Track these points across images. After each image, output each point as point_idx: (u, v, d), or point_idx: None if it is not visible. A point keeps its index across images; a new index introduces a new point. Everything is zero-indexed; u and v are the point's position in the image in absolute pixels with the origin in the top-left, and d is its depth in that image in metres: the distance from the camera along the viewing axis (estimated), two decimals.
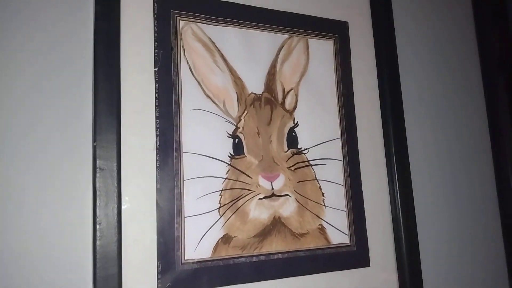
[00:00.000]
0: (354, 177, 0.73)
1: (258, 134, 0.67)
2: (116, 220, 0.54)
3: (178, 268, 0.57)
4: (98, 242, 0.53)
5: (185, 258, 0.58)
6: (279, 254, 0.64)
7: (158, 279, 0.55)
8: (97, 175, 0.55)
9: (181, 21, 0.65)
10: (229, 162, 0.64)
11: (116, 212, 0.54)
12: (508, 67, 0.86)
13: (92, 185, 0.55)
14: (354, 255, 0.70)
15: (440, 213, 0.81)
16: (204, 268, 0.59)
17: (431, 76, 0.87)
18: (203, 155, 0.63)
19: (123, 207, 0.56)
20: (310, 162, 0.70)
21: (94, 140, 0.56)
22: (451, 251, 0.81)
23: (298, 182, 0.68)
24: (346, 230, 0.70)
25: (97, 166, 0.55)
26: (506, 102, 0.85)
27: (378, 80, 0.79)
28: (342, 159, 0.73)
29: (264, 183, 0.65)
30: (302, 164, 0.69)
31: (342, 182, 0.72)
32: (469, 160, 0.87)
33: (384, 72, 0.79)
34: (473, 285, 0.81)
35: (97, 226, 0.53)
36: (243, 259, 0.62)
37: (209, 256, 0.60)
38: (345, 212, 0.71)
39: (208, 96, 0.65)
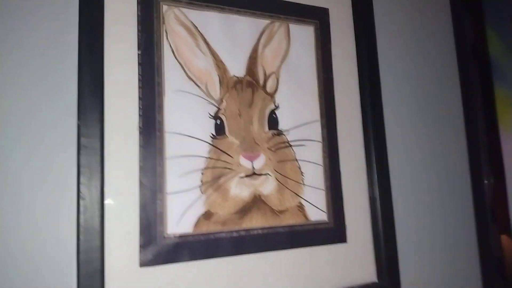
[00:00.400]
0: (333, 158, 0.76)
1: (240, 115, 0.69)
2: (99, 196, 0.56)
3: (160, 242, 0.59)
4: (81, 216, 0.55)
5: (167, 233, 0.60)
6: (259, 230, 0.67)
7: (140, 252, 0.58)
8: (81, 152, 0.57)
9: (164, 5, 0.67)
10: (210, 142, 0.66)
11: (99, 188, 0.56)
12: (480, 53, 0.90)
13: (77, 162, 0.57)
14: (332, 232, 0.73)
15: (416, 193, 0.84)
16: (185, 242, 0.61)
17: (409, 62, 0.90)
18: (186, 135, 0.65)
19: (106, 185, 0.58)
20: (290, 143, 0.73)
21: (79, 118, 0.58)
22: (425, 229, 0.84)
23: (278, 162, 0.71)
24: (324, 208, 0.73)
25: (81, 143, 0.57)
26: (479, 87, 0.88)
27: (357, 65, 0.81)
28: (321, 141, 0.75)
29: (245, 163, 0.68)
30: (282, 145, 0.72)
31: (321, 163, 0.74)
32: (445, 142, 0.90)
33: (363, 58, 0.82)
34: (446, 261, 0.84)
35: (81, 202, 0.55)
36: (223, 234, 0.64)
37: (191, 231, 0.62)
38: (323, 191, 0.73)
39: (190, 79, 0.67)
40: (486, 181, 0.89)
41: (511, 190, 0.90)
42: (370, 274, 0.75)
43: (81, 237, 0.54)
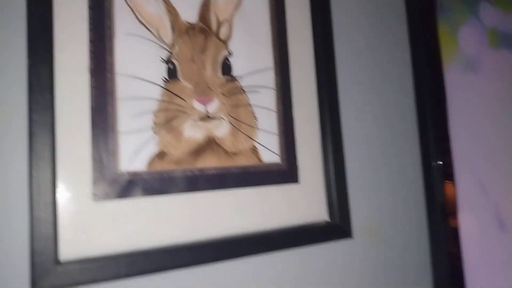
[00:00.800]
0: (286, 104, 0.78)
1: (193, 61, 0.71)
2: (51, 133, 0.58)
3: (112, 177, 0.61)
4: (33, 152, 0.56)
5: (120, 170, 0.62)
6: (213, 170, 0.69)
7: (93, 186, 0.60)
8: (32, 90, 0.58)
9: None
10: (163, 85, 0.68)
11: (50, 125, 0.58)
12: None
13: (27, 100, 0.58)
14: (284, 173, 0.76)
15: (366, 136, 0.89)
16: (138, 179, 0.63)
17: (362, 13, 0.93)
18: (137, 78, 0.66)
19: (57, 123, 0.59)
20: (244, 89, 0.75)
21: (28, 58, 0.58)
22: (375, 171, 0.89)
23: (232, 106, 0.73)
24: (278, 151, 0.76)
25: (31, 83, 0.58)
26: (424, 23, 0.93)
27: (310, 13, 0.83)
28: (274, 88, 0.78)
29: (199, 106, 0.70)
30: (236, 91, 0.74)
31: (274, 108, 0.77)
32: (393, 86, 0.95)
33: (317, 6, 0.84)
34: (393, 201, 0.90)
35: (33, 137, 0.57)
36: (177, 173, 0.66)
37: (144, 169, 0.64)
38: (277, 135, 0.76)
39: (141, 23, 0.68)
40: (430, 117, 0.95)
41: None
42: (322, 213, 0.79)
43: (33, 172, 0.56)
